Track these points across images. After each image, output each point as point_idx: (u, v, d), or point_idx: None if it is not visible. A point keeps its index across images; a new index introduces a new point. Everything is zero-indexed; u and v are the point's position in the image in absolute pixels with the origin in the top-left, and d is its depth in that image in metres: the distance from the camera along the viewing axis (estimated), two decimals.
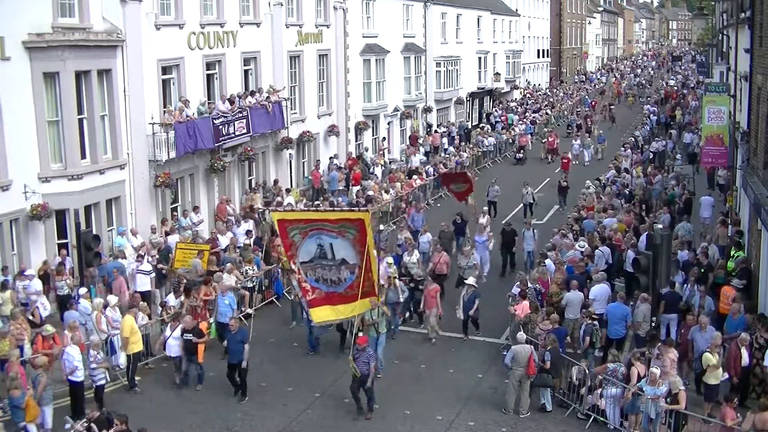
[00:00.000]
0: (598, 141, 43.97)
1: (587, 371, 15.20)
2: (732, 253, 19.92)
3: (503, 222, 25.22)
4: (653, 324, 16.74)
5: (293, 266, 15.90)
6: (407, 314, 19.80)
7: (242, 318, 19.11)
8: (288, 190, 28.09)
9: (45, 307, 17.69)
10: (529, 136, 46.72)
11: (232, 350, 15.63)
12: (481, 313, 18.76)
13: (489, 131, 45.61)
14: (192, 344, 16.06)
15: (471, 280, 18.88)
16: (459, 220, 25.01)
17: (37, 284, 17.95)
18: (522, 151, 43.04)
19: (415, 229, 24.25)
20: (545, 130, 48.62)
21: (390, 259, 19.55)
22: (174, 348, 16.29)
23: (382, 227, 24.14)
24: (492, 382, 16.65)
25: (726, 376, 14.55)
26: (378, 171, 33.30)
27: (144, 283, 19.26)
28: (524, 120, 49.62)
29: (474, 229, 24.42)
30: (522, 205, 29.98)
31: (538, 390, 15.45)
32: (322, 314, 16.12)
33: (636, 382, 14.15)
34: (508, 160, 43.07)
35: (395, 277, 18.72)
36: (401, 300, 18.87)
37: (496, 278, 22.78)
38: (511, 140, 44.94)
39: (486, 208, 26.79)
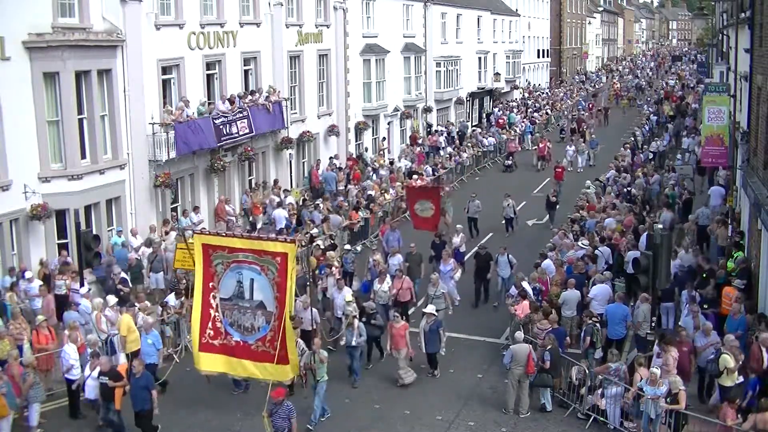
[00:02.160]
0: (591, 146, 41.80)
1: (587, 371, 15.21)
2: (732, 253, 19.95)
3: (478, 245, 22.17)
4: (653, 323, 16.73)
5: (212, 301, 13.11)
6: (368, 361, 17.26)
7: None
8: (287, 191, 28.09)
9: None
10: (529, 136, 46.70)
11: (135, 396, 13.84)
12: (479, 315, 18.64)
13: (486, 131, 45.49)
14: (108, 389, 13.92)
15: (430, 308, 16.86)
16: (438, 241, 22.21)
17: (37, 285, 17.96)
18: (511, 157, 40.45)
19: (399, 248, 21.84)
20: (537, 134, 46.69)
21: (349, 295, 17.51)
22: (92, 390, 14.34)
23: (348, 247, 22.52)
24: (492, 382, 16.65)
25: (741, 378, 14.45)
26: (384, 172, 33.17)
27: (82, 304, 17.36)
28: (524, 120, 49.54)
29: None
30: (503, 220, 27.79)
31: (538, 390, 15.46)
32: (211, 363, 13.23)
33: (636, 383, 14.15)
34: (497, 167, 41.01)
35: (354, 317, 16.46)
36: (357, 343, 16.22)
37: (494, 279, 22.66)
38: (510, 140, 44.81)
39: (460, 226, 24.37)
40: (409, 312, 19.06)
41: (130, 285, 19.21)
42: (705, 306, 16.87)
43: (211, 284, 12.99)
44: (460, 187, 35.74)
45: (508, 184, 34.51)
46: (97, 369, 14.07)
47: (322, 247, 21.50)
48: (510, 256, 20.82)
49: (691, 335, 15.48)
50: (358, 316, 16.57)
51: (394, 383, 16.49)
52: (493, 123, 48.88)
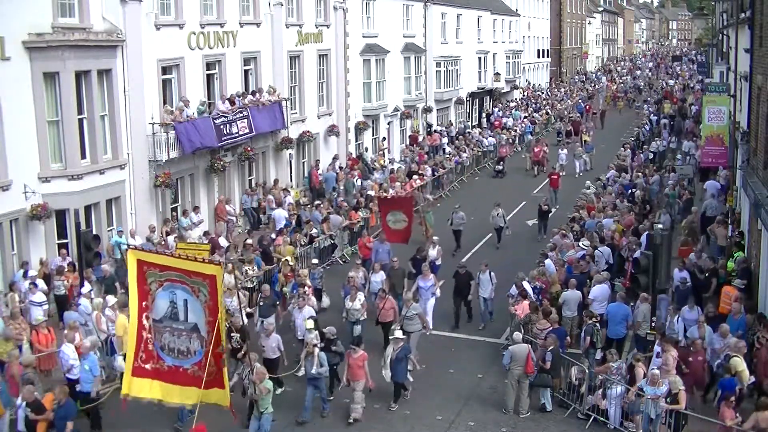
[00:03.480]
0: (586, 150, 40.43)
1: (587, 371, 15.22)
2: (732, 253, 19.96)
3: (458, 265, 20.20)
4: (653, 323, 16.74)
5: (145, 322, 12.15)
6: (329, 392, 15.62)
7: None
8: (286, 189, 28.11)
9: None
10: (529, 136, 46.68)
11: (58, 428, 12.83)
12: (478, 316, 18.46)
13: (485, 131, 45.45)
14: (29, 421, 12.75)
15: (398, 333, 15.44)
16: (419, 257, 20.86)
17: (41, 285, 17.96)
18: (502, 162, 38.87)
19: (383, 263, 20.33)
20: (532, 138, 44.74)
21: (310, 322, 15.88)
22: (20, 420, 13.07)
23: (315, 262, 20.95)
24: (492, 382, 16.65)
25: (752, 379, 14.43)
26: (378, 175, 33.12)
27: (37, 315, 17.06)
28: (524, 120, 49.52)
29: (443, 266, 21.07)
30: (494, 230, 26.27)
31: (538, 390, 15.46)
32: (143, 388, 12.31)
33: (638, 383, 14.15)
34: (486, 172, 39.28)
35: (315, 345, 14.97)
36: (318, 374, 14.68)
37: (498, 277, 22.65)
38: (510, 140, 44.86)
39: (436, 238, 22.83)
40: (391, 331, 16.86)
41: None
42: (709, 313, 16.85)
43: (144, 303, 12.16)
44: (460, 187, 35.82)
45: (498, 190, 33.59)
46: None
47: (291, 263, 20.22)
48: (492, 273, 19.29)
49: (701, 344, 15.26)
50: (318, 344, 15.08)
51: (456, 325, 16.60)
52: (493, 122, 48.80)
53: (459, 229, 25.55)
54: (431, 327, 18.26)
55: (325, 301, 19.80)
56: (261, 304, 17.66)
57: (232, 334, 15.30)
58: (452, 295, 19.50)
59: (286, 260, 20.25)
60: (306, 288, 17.97)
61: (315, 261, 21.40)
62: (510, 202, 30.74)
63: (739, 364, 14.14)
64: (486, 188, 35.44)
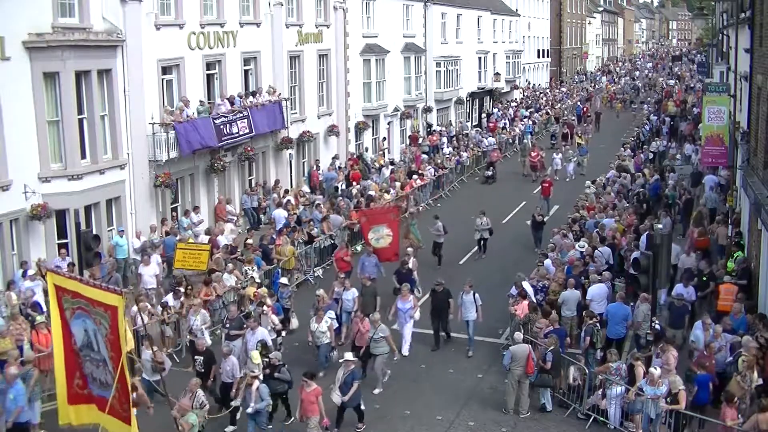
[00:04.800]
0: (581, 153, 39.30)
1: (586, 371, 15.23)
2: (732, 253, 19.96)
3: (435, 281, 18.55)
4: (653, 323, 16.74)
5: (75, 347, 11.10)
6: (269, 421, 14.29)
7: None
8: (287, 191, 28.11)
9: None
10: (529, 136, 46.65)
11: None
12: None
13: (485, 132, 45.39)
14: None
15: (348, 355, 14.66)
16: (404, 270, 19.85)
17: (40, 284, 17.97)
18: (492, 168, 37.25)
19: (370, 277, 19.28)
20: (528, 143, 43.09)
21: (256, 354, 14.65)
22: None
23: (284, 281, 19.37)
24: (492, 382, 16.65)
25: (760, 381, 14.38)
26: (386, 171, 33.10)
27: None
28: (524, 121, 49.48)
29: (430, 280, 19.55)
30: (477, 243, 25.01)
31: (538, 390, 15.47)
32: (84, 415, 11.38)
33: (638, 383, 14.16)
34: (476, 177, 37.84)
35: (254, 377, 13.93)
36: (255, 410, 13.65)
37: (495, 278, 22.71)
38: (510, 140, 44.83)
39: (411, 249, 21.45)
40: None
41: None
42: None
43: (69, 329, 11.15)
44: (459, 187, 35.83)
45: (488, 197, 32.88)
46: None
47: (257, 280, 19.34)
48: (476, 294, 17.79)
49: (716, 347, 15.07)
50: (260, 376, 14.06)
51: (394, 383, 16.47)
52: (489, 125, 48.34)
53: (440, 241, 23.95)
54: (407, 352, 17.54)
55: (294, 322, 18.49)
56: (226, 325, 16.66)
57: (196, 357, 14.91)
58: (429, 314, 18.23)
59: (252, 278, 19.25)
60: (265, 307, 17.01)
61: (284, 280, 19.44)
62: (503, 209, 30.46)
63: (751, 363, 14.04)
64: (475, 195, 34.01)
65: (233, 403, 14.18)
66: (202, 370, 14.76)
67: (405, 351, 17.63)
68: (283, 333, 17.79)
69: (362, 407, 14.61)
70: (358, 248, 23.86)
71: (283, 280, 19.44)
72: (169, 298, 18.16)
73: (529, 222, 27.22)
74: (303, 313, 18.48)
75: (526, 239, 26.39)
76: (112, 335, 10.45)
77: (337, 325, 17.47)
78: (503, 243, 26.23)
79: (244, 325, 16.26)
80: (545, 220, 25.72)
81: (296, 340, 18.25)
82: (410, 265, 20.30)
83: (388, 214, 22.01)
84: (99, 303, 10.49)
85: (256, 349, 14.96)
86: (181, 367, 15.91)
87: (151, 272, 19.77)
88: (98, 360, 10.83)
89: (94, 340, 10.76)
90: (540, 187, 31.07)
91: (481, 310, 17.87)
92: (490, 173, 37.19)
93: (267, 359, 14.61)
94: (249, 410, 13.69)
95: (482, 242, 25.02)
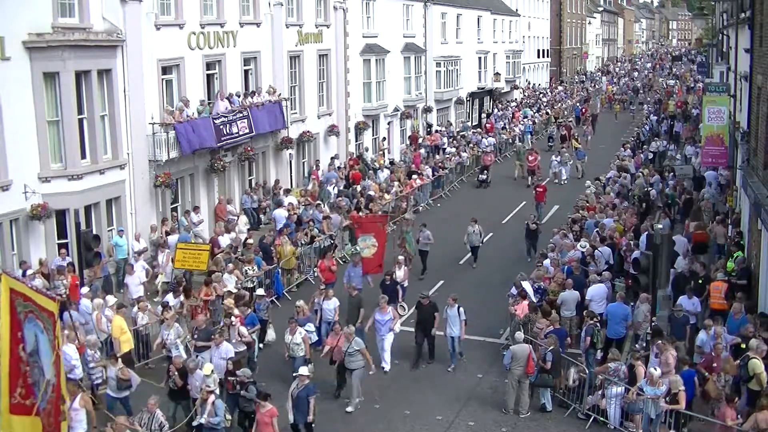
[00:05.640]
0: (578, 157, 38.47)
1: (586, 371, 15.23)
2: (732, 253, 19.95)
3: (420, 294, 17.81)
4: (653, 322, 16.75)
5: (21, 354, 10.76)
6: None
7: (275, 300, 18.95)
8: (288, 191, 28.11)
9: None
10: (529, 136, 46.63)
11: None
12: (478, 315, 18.05)
13: (484, 132, 45.33)
14: None
15: (303, 370, 13.91)
16: (388, 281, 18.99)
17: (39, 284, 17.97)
18: (486, 172, 36.26)
19: (356, 288, 18.83)
20: (520, 144, 42.35)
21: (208, 367, 13.82)
22: None
23: (261, 292, 18.35)
24: (492, 382, 16.66)
25: None
26: (381, 174, 33.07)
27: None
28: (523, 121, 49.44)
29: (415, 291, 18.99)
30: (470, 249, 23.97)
31: (538, 390, 15.48)
32: (25, 427, 10.84)
33: (639, 382, 14.16)
34: (469, 182, 36.75)
35: (210, 391, 13.37)
36: (209, 424, 13.17)
37: (495, 278, 22.70)
38: (510, 140, 44.80)
39: (402, 258, 20.73)
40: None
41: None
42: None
43: (19, 334, 10.80)
44: (459, 187, 35.82)
45: (488, 197, 32.70)
46: None
47: (233, 291, 18.30)
48: (461, 309, 16.88)
49: (707, 351, 15.06)
50: (215, 390, 13.53)
51: (394, 383, 16.45)
52: (486, 125, 48.06)
53: (425, 249, 23.00)
54: (389, 366, 16.86)
55: (271, 334, 17.81)
56: (195, 336, 15.95)
57: (171, 374, 14.19)
58: (414, 328, 17.37)
59: (229, 291, 18.30)
60: (233, 318, 16.16)
61: (260, 291, 18.46)
62: (503, 209, 30.29)
63: (758, 366, 14.00)
64: (475, 196, 33.66)
65: (194, 423, 13.53)
66: (176, 388, 14.13)
67: (386, 367, 16.84)
68: (260, 345, 17.20)
69: (313, 424, 13.81)
70: (347, 251, 23.03)
71: (260, 291, 18.48)
72: (169, 298, 18.16)
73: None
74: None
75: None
76: (54, 341, 10.46)
77: (316, 338, 16.77)
78: (503, 243, 26.24)
79: (214, 336, 15.40)
80: (540, 228, 24.55)
81: (275, 353, 17.34)
82: (401, 274, 19.65)
83: (377, 223, 21.51)
84: (43, 308, 10.54)
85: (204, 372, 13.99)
86: (154, 381, 15.13)
87: (136, 281, 19.27)
88: (41, 367, 10.66)
89: (43, 347, 10.65)
90: (534, 192, 30.16)
91: (465, 326, 16.96)
92: (484, 177, 36.22)
93: (234, 377, 14.03)
94: (201, 421, 13.21)
95: (474, 252, 23.98)
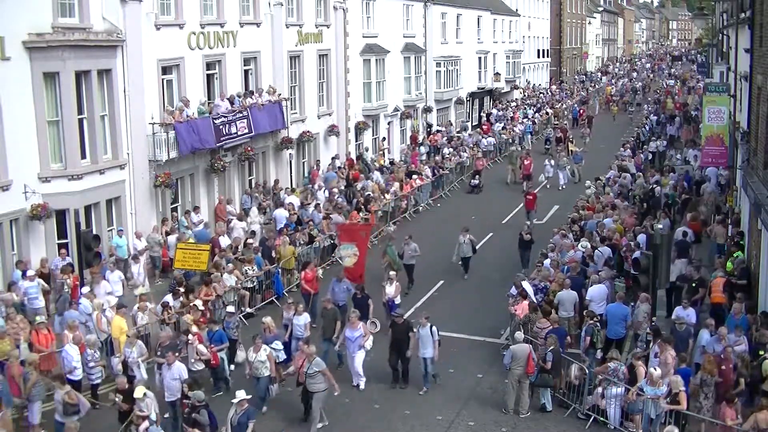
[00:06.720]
0: (575, 161, 37.93)
1: (586, 371, 15.23)
2: (732, 253, 19.96)
3: (393, 312, 17.24)
4: (653, 322, 16.75)
5: None
6: None
7: (242, 318, 19.08)
8: (293, 190, 28.12)
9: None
10: (529, 136, 46.59)
11: None
12: (478, 315, 18.13)
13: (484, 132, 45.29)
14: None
15: (240, 394, 12.88)
16: (359, 295, 18.12)
17: (39, 284, 17.97)
18: (478, 176, 35.40)
19: (340, 303, 18.19)
20: (513, 148, 41.42)
21: (138, 390, 13.10)
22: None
23: (231, 310, 17.55)
24: (492, 382, 16.66)
25: None
26: (380, 176, 32.98)
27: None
28: (523, 121, 49.41)
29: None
30: (461, 260, 23.03)
31: (538, 390, 15.48)
32: None
33: (639, 382, 14.16)
34: (462, 187, 35.90)
35: (144, 417, 12.59)
36: None
37: (496, 277, 22.69)
38: (510, 140, 44.76)
39: (393, 273, 19.88)
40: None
41: None
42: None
43: None
44: (459, 187, 35.81)
45: (489, 196, 32.44)
46: None
47: (200, 307, 17.25)
48: (434, 328, 15.91)
49: (731, 351, 14.87)
50: (148, 416, 12.68)
51: (394, 383, 16.45)
52: (482, 126, 47.56)
53: (410, 263, 21.93)
54: (363, 385, 16.14)
55: (240, 355, 16.57)
56: (159, 353, 15.01)
57: (116, 396, 13.46)
58: (389, 348, 16.40)
59: (194, 305, 17.19)
60: (191, 336, 15.38)
61: (230, 309, 17.64)
62: (503, 209, 30.18)
63: None
64: (468, 201, 32.86)
65: None
66: (122, 410, 13.39)
67: (361, 385, 16.17)
68: (231, 366, 16.47)
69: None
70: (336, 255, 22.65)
71: (230, 308, 17.66)
72: (169, 298, 18.16)
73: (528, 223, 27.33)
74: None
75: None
76: None
77: (284, 356, 15.86)
78: (503, 243, 26.22)
79: (177, 351, 14.68)
80: (533, 239, 23.27)
81: (244, 374, 15.73)
82: (392, 290, 19.02)
83: (359, 232, 21.18)
84: None
85: (182, 387, 13.55)
86: (103, 402, 14.60)
87: (108, 288, 18.31)
88: None
89: None
90: (524, 200, 29.17)
91: (438, 347, 16.02)
92: (476, 182, 35.28)
93: (187, 399, 13.17)
94: None
95: (465, 263, 23.08)
